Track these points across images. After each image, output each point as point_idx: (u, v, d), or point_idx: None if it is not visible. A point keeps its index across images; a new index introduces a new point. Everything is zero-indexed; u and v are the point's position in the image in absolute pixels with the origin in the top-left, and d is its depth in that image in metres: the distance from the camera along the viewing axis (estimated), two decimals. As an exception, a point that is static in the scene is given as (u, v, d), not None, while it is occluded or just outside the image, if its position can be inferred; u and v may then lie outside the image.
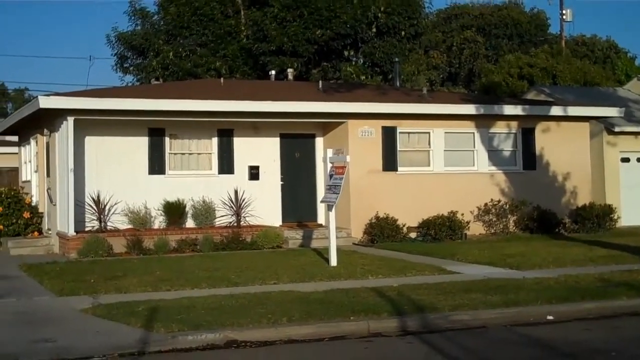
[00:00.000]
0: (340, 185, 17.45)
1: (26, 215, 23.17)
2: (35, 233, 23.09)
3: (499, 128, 25.30)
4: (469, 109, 24.74)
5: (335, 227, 18.26)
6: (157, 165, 22.83)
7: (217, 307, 12.19)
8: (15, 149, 30.50)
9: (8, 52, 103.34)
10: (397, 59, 33.29)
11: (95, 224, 21.57)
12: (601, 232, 24.30)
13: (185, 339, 10.38)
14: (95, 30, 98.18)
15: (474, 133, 24.94)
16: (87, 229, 21.45)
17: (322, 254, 18.95)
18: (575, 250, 19.57)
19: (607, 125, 27.97)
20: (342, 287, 14.13)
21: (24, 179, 27.15)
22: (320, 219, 23.95)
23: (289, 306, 12.13)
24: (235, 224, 22.74)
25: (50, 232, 22.78)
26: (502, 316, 11.89)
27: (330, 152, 18.51)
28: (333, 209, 17.84)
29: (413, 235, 23.22)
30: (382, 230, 22.48)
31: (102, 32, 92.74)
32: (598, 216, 24.87)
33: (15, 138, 29.80)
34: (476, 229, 24.13)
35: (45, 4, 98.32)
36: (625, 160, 28.72)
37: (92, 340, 10.39)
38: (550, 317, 11.97)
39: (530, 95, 32.96)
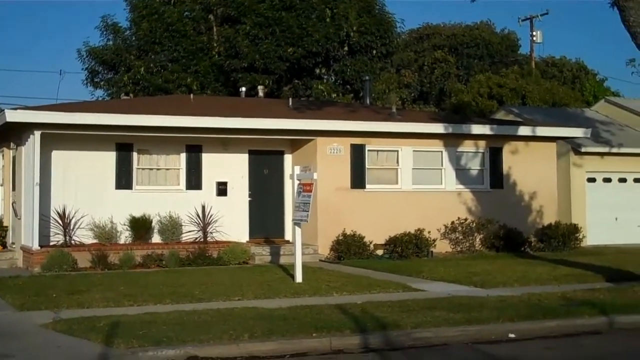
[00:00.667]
0: (309, 203, 17.39)
1: (-10, 229, 22.96)
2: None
3: (467, 147, 25.47)
4: (437, 127, 24.88)
5: (302, 244, 18.27)
6: (124, 180, 22.74)
7: (180, 323, 12.12)
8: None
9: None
10: (367, 77, 33.40)
11: (60, 238, 21.42)
12: (566, 251, 24.46)
13: (145, 355, 10.32)
14: (67, 44, 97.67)
15: (442, 152, 25.08)
16: (51, 244, 21.28)
17: (288, 271, 18.92)
18: (539, 269, 19.68)
19: (574, 145, 28.26)
20: (306, 304, 14.10)
21: (-11, 192, 26.87)
22: (288, 236, 23.92)
23: (252, 322, 12.09)
24: (202, 240, 22.66)
25: (14, 246, 22.57)
26: (465, 334, 11.91)
27: (297, 169, 18.49)
28: (300, 226, 17.84)
29: (380, 252, 23.26)
30: (349, 248, 22.50)
31: (73, 46, 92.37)
32: (564, 235, 25.05)
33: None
34: (443, 246, 24.22)
35: (16, 16, 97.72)
36: (592, 180, 29.01)
37: (52, 356, 10.31)
38: (512, 335, 12.02)
39: (499, 115, 33.23)
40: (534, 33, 49.08)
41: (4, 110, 22.09)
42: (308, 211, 17.33)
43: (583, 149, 28.30)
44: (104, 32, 38.52)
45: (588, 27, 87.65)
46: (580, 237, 25.70)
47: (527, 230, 25.30)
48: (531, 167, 25.79)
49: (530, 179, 25.74)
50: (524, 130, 25.92)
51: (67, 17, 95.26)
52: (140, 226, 22.36)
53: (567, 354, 11.17)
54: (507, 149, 25.83)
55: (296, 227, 17.91)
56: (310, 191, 17.50)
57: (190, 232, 22.96)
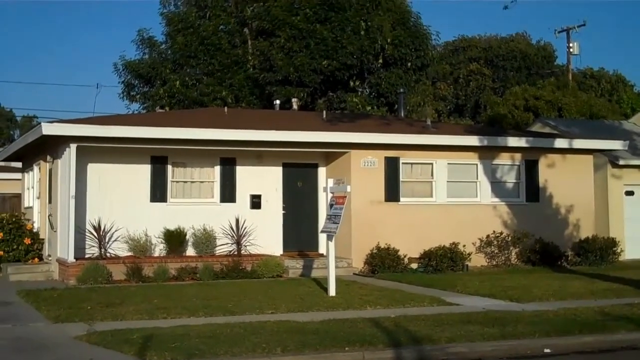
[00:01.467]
0: (340, 215, 17.35)
1: (27, 241, 23.18)
2: (36, 259, 23.07)
3: (503, 160, 25.28)
4: (472, 140, 24.72)
5: (336, 257, 18.19)
6: (158, 192, 22.84)
7: (212, 336, 12.11)
8: (19, 175, 30.58)
9: (18, 79, 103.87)
10: (402, 90, 33.34)
11: (95, 250, 21.54)
12: (604, 266, 24.15)
13: (177, 368, 10.34)
14: (103, 58, 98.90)
15: (477, 164, 24.91)
16: (87, 256, 21.41)
17: (322, 284, 18.84)
18: (576, 283, 19.43)
19: (611, 158, 27.94)
20: (339, 318, 14.02)
21: (26, 205, 27.18)
22: (322, 249, 23.80)
23: (285, 336, 12.05)
24: (236, 253, 22.67)
25: (50, 258, 22.75)
26: (500, 349, 11.79)
27: (331, 182, 18.44)
28: (333, 239, 17.74)
29: (414, 266, 23.11)
30: (383, 261, 22.38)
31: (109, 60, 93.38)
32: (601, 249, 24.71)
33: (19, 164, 29.88)
34: (478, 260, 24.02)
35: (55, 32, 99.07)
36: (630, 193, 28.64)
37: (84, 368, 10.34)
38: (547, 350, 11.88)
39: (535, 128, 32.97)
40: (571, 45, 48.71)
41: (40, 123, 22.31)
42: (338, 223, 17.26)
43: (621, 162, 27.99)
44: (140, 46, 38.94)
45: (626, 38, 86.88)
46: (618, 251, 25.32)
47: (564, 244, 25.01)
48: (568, 180, 25.52)
49: (567, 192, 25.46)
50: (560, 143, 25.67)
51: (104, 32, 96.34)
52: (175, 239, 22.43)
53: (604, 370, 11.00)
54: (543, 162, 25.59)
55: (329, 241, 17.83)
56: (343, 204, 17.43)
57: (224, 245, 22.99)
